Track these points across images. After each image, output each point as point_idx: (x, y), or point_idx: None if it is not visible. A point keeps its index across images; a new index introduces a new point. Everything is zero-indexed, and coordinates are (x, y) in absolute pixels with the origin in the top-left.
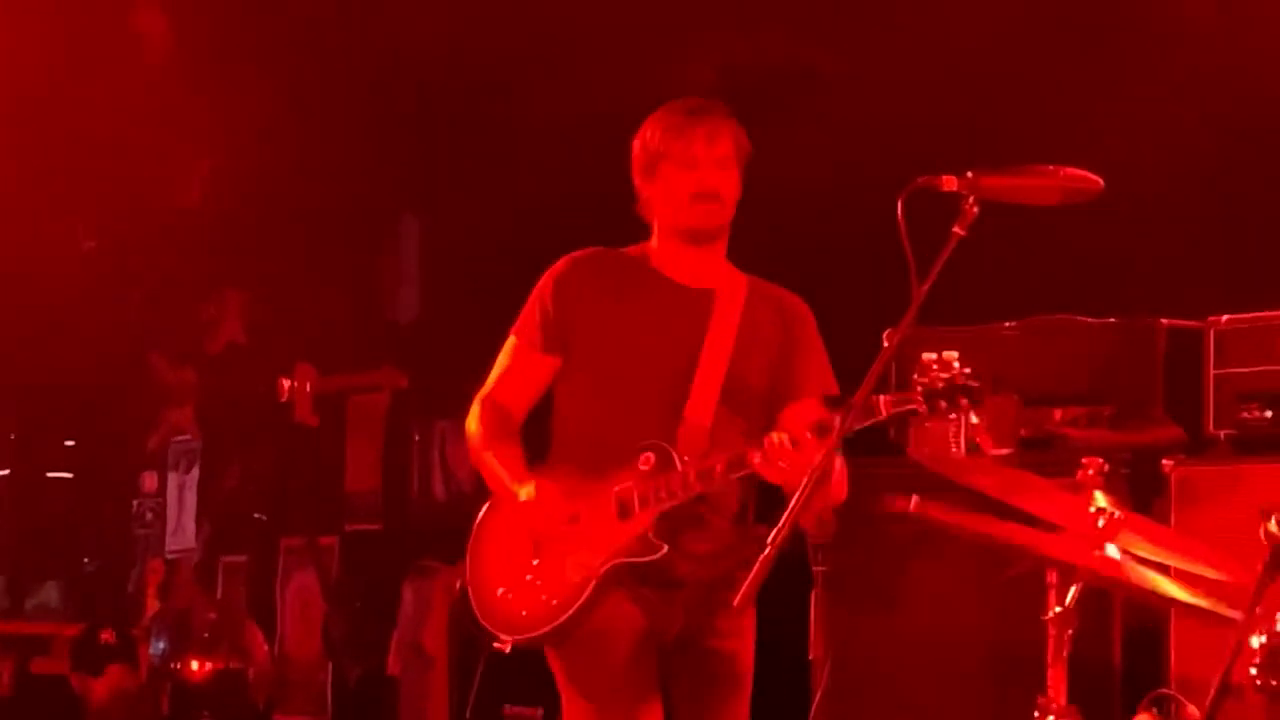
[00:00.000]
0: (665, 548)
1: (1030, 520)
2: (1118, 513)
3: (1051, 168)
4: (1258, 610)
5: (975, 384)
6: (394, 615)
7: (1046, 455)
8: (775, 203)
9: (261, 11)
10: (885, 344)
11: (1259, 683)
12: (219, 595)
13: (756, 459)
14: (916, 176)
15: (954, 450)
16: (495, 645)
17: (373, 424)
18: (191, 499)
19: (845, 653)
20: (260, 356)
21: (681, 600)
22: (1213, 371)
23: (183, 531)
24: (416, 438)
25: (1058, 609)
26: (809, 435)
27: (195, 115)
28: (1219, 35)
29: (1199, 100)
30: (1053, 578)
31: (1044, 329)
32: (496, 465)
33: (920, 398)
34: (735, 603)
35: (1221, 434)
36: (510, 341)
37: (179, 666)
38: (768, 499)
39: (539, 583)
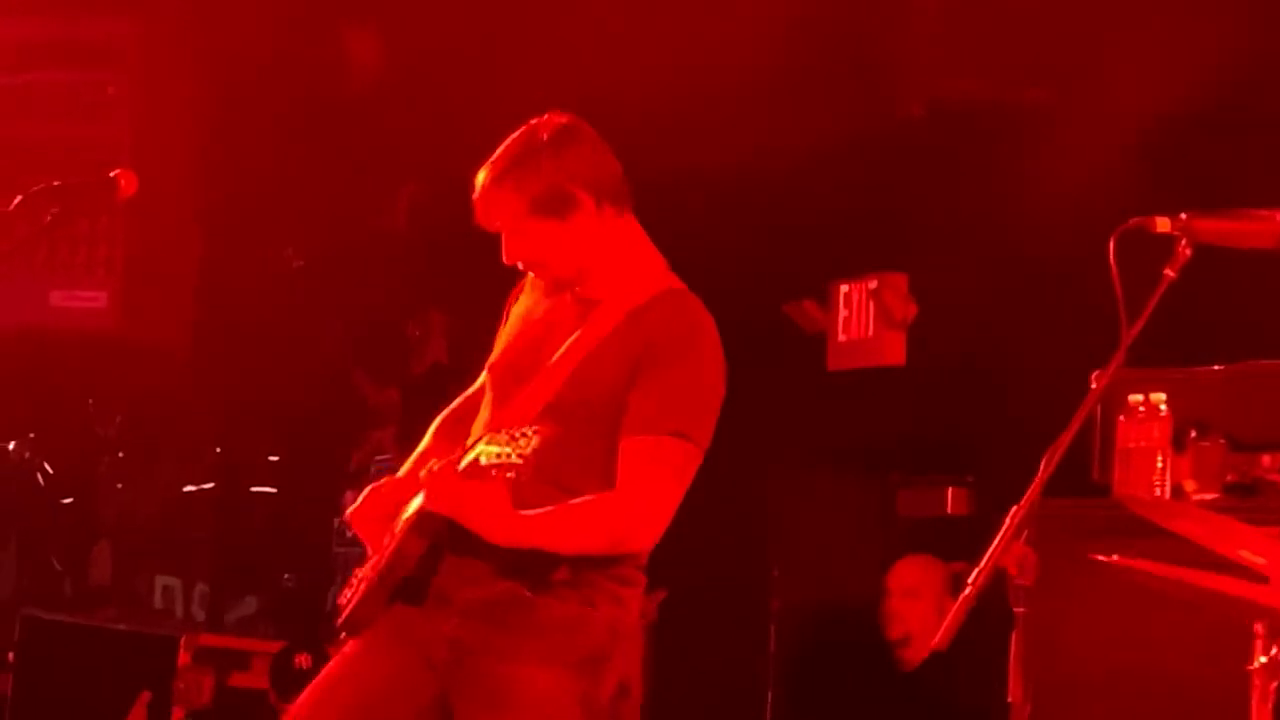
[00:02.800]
0: (404, 561)
1: (1236, 567)
2: None
3: (1267, 211)
4: None
5: None
6: None
7: (1254, 501)
8: (982, 242)
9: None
10: (1093, 386)
11: None
12: None
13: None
14: (1127, 216)
15: (1158, 493)
16: None
17: None
18: None
19: (1044, 696)
20: (463, 377)
21: (454, 620)
22: None
23: None
24: None
25: (1263, 659)
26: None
27: (402, 137)
28: None
29: None
30: (1259, 628)
31: (1253, 373)
32: None
33: None
34: (935, 644)
35: None
36: None
37: None
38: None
39: None
